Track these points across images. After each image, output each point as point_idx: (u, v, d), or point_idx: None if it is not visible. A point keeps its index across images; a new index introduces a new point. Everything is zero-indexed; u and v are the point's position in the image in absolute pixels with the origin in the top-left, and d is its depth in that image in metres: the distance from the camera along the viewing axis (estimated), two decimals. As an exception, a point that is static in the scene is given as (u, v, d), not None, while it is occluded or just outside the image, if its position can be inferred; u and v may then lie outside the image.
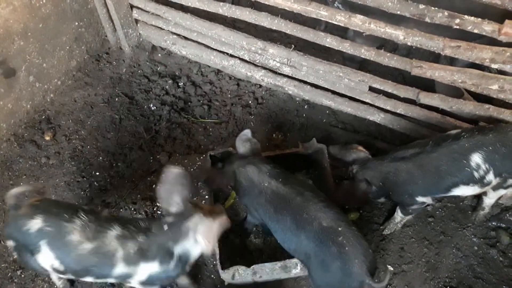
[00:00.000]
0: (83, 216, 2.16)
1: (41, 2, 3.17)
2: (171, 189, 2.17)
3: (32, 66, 3.31)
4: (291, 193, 2.34)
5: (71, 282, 2.70)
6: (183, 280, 2.59)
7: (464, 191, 2.48)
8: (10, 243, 2.26)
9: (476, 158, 2.35)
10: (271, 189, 2.40)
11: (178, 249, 2.20)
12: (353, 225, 2.26)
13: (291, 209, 2.32)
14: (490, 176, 2.40)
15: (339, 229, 2.17)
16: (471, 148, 2.35)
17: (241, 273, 2.48)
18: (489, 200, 2.74)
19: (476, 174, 2.38)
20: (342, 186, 2.67)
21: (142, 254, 2.16)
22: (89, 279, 2.26)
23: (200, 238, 2.16)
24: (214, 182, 2.65)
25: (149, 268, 2.19)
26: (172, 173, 2.18)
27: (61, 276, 2.37)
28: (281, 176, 2.43)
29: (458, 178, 2.41)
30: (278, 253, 2.73)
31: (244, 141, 2.62)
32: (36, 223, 2.12)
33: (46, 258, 2.16)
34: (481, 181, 2.41)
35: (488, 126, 2.48)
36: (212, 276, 2.76)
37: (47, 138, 3.34)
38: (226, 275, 2.51)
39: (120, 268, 2.15)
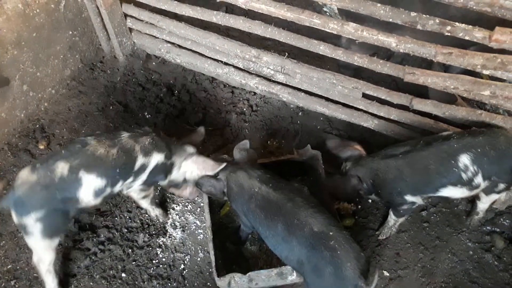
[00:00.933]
0: (94, 138, 2.43)
1: (34, 12, 3.17)
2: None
3: (26, 75, 3.30)
4: (281, 199, 2.34)
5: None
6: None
7: (453, 192, 2.50)
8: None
9: (465, 159, 2.37)
10: (261, 194, 2.39)
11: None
12: (344, 229, 2.26)
13: (282, 215, 2.31)
14: (479, 179, 2.42)
15: (330, 233, 2.18)
16: (459, 149, 2.39)
17: (237, 281, 2.48)
18: (482, 205, 2.76)
19: (464, 176, 2.40)
20: (333, 179, 2.71)
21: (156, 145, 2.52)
22: (118, 187, 2.50)
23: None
24: (209, 189, 2.65)
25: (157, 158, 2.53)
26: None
27: (104, 194, 2.47)
28: (271, 182, 2.43)
29: (446, 178, 2.43)
30: (274, 260, 2.73)
31: (241, 150, 2.65)
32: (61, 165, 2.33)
33: (88, 186, 2.37)
34: (469, 183, 2.44)
35: (480, 130, 2.51)
36: (208, 283, 2.75)
37: (41, 147, 3.32)
38: (222, 283, 2.50)
39: (139, 161, 2.46)
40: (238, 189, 2.49)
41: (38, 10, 3.20)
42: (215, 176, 2.61)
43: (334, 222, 2.26)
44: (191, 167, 2.68)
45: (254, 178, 2.45)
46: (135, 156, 2.45)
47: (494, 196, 2.64)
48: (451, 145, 2.41)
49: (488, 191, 2.56)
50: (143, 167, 2.51)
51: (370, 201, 3.05)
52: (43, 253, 2.50)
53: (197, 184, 2.64)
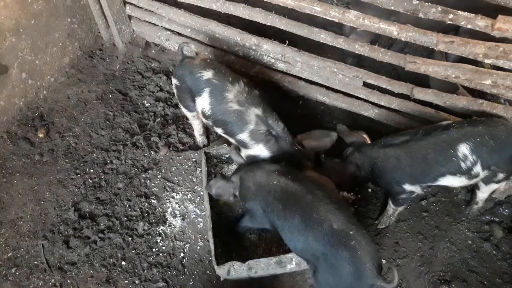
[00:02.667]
0: (242, 85, 2.68)
1: (33, -2, 3.15)
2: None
3: (25, 63, 3.28)
4: (301, 191, 2.30)
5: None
6: None
7: (452, 181, 2.50)
8: (176, 82, 2.83)
9: (464, 149, 2.37)
10: (280, 186, 2.37)
11: None
12: (363, 228, 2.22)
13: (300, 207, 2.27)
14: (478, 168, 2.42)
15: (351, 232, 2.13)
16: (459, 139, 2.38)
17: (236, 269, 2.49)
18: (482, 195, 2.76)
19: (463, 165, 2.40)
20: (332, 162, 2.73)
21: (268, 136, 2.65)
22: (219, 130, 2.77)
23: None
24: (218, 191, 2.62)
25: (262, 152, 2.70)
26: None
27: (204, 120, 2.85)
28: (290, 174, 2.41)
29: (445, 167, 2.43)
30: (274, 249, 2.74)
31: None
32: (207, 74, 2.67)
33: (202, 102, 2.71)
34: (468, 173, 2.43)
35: (479, 119, 2.50)
36: (208, 272, 2.76)
37: (41, 135, 3.31)
38: (221, 271, 2.51)
39: (242, 136, 2.66)
40: (256, 187, 2.47)
41: (36, -3, 3.17)
42: (226, 179, 2.62)
43: (354, 220, 2.22)
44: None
45: (272, 172, 2.44)
46: None
47: (493, 186, 2.64)
48: (450, 134, 2.40)
49: (487, 180, 2.55)
50: None
51: (369, 190, 3.06)
52: None
53: (207, 187, 2.66)
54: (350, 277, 2.11)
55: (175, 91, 2.96)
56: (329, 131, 2.81)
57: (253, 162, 2.67)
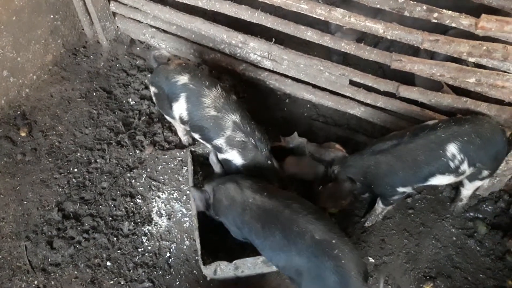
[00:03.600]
0: (219, 90, 2.64)
1: (14, -6, 3.08)
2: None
3: (6, 60, 3.21)
4: (278, 206, 2.26)
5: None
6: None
7: (441, 180, 2.53)
8: (154, 90, 2.82)
9: (452, 148, 2.39)
10: (257, 204, 2.31)
11: None
12: (344, 235, 2.22)
13: (280, 223, 2.23)
14: (465, 166, 2.45)
15: (333, 241, 2.11)
16: (447, 139, 2.40)
17: (223, 268, 2.48)
18: (466, 192, 2.80)
19: (451, 164, 2.42)
20: (327, 189, 2.62)
21: (243, 144, 2.60)
22: (197, 136, 2.74)
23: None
24: (197, 204, 2.59)
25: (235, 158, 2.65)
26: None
27: (182, 125, 2.86)
28: (265, 190, 2.36)
29: (435, 167, 2.45)
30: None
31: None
32: (183, 79, 2.63)
33: (179, 108, 2.67)
34: (456, 171, 2.46)
35: (465, 118, 2.53)
36: (194, 271, 2.74)
37: (23, 134, 3.25)
38: (208, 271, 2.49)
39: (219, 141, 2.62)
40: (229, 202, 2.42)
41: (17, -7, 3.10)
42: (199, 188, 2.58)
43: (334, 228, 2.21)
44: None
45: (246, 188, 2.38)
46: None
47: (477, 183, 2.67)
48: (438, 135, 2.42)
49: (472, 178, 2.59)
50: None
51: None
52: None
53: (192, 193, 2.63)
54: (337, 286, 2.09)
55: (154, 99, 2.93)
56: (319, 164, 2.73)
57: (227, 173, 2.64)
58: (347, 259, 2.08)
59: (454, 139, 2.39)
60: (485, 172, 2.55)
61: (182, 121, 2.75)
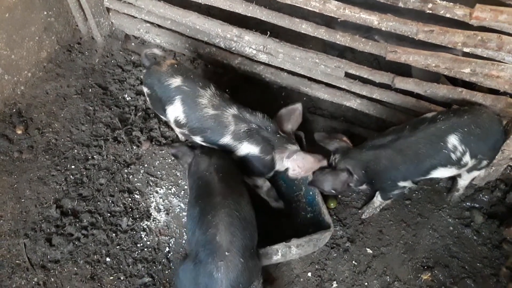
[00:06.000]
0: (213, 89, 2.64)
1: (6, -9, 3.06)
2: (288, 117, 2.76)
3: (0, 58, 3.19)
4: (217, 190, 2.33)
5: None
6: (265, 185, 2.81)
7: (443, 173, 2.53)
8: (146, 90, 2.81)
9: (453, 140, 2.39)
10: (207, 179, 2.41)
11: (275, 155, 2.64)
12: (250, 254, 2.24)
13: (205, 202, 2.31)
14: (467, 158, 2.45)
15: (226, 253, 2.15)
16: (447, 130, 2.40)
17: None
18: (463, 182, 2.81)
19: (453, 156, 2.43)
20: (323, 173, 2.65)
21: (249, 132, 2.59)
22: (198, 139, 2.71)
23: (289, 163, 2.62)
24: (177, 153, 2.68)
25: (249, 149, 2.62)
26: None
27: (179, 129, 2.80)
28: (225, 173, 2.44)
29: (437, 160, 2.45)
30: (259, 240, 2.74)
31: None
32: (176, 81, 2.61)
33: (174, 111, 2.66)
34: (458, 163, 2.47)
35: (463, 108, 2.53)
36: (194, 265, 2.75)
37: (19, 132, 3.24)
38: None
39: (225, 140, 2.61)
40: (195, 168, 2.52)
41: (9, -10, 3.08)
42: (192, 148, 2.65)
43: (243, 243, 2.21)
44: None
45: (212, 165, 2.46)
46: None
47: (475, 173, 2.69)
48: (438, 127, 2.42)
49: (471, 168, 2.59)
50: None
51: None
52: None
53: (170, 146, 2.73)
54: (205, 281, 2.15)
55: (147, 99, 2.95)
56: (293, 105, 2.80)
57: (214, 148, 2.68)
58: (223, 276, 2.12)
59: (454, 130, 2.39)
60: (484, 162, 2.56)
61: (178, 124, 2.73)
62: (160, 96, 2.71)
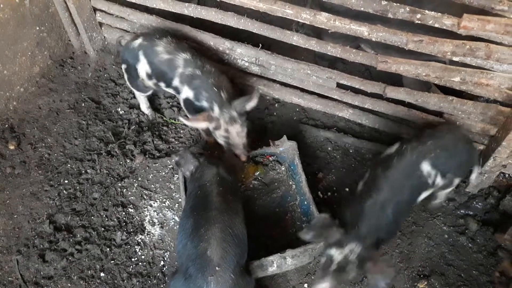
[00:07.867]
0: (170, 38, 2.90)
1: (-2, 7, 3.07)
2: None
3: (-8, 73, 3.20)
4: (213, 205, 2.33)
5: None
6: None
7: (424, 196, 2.57)
8: (124, 66, 3.05)
9: (426, 166, 2.41)
10: (206, 190, 2.41)
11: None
12: (238, 269, 2.21)
13: (200, 216, 2.30)
14: (438, 179, 2.49)
15: (217, 268, 2.13)
16: (418, 159, 2.40)
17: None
18: (438, 201, 2.89)
19: (430, 181, 2.46)
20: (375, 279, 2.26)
21: (191, 79, 2.76)
22: (162, 85, 2.93)
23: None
24: (181, 164, 2.68)
25: (187, 93, 2.81)
26: None
27: (150, 81, 2.99)
28: (225, 188, 2.44)
29: (421, 188, 2.48)
30: (252, 251, 2.73)
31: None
32: (138, 41, 2.92)
33: (142, 66, 2.91)
34: (433, 185, 2.51)
35: (427, 132, 2.54)
36: (189, 279, 2.73)
37: (11, 147, 3.22)
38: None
39: (175, 82, 2.82)
40: (199, 176, 2.54)
41: (2, 5, 3.09)
42: (196, 155, 2.66)
43: (230, 261, 2.19)
44: None
45: (216, 176, 2.48)
46: None
47: (450, 189, 2.71)
48: (409, 158, 2.40)
49: (445, 186, 2.61)
50: None
51: (347, 189, 3.07)
52: None
53: (176, 154, 2.76)
54: None
55: (125, 76, 3.14)
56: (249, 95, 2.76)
57: (214, 158, 2.70)
58: (216, 287, 2.11)
59: (423, 157, 2.40)
60: (456, 180, 2.61)
61: (149, 77, 2.95)
62: (131, 62, 2.96)
